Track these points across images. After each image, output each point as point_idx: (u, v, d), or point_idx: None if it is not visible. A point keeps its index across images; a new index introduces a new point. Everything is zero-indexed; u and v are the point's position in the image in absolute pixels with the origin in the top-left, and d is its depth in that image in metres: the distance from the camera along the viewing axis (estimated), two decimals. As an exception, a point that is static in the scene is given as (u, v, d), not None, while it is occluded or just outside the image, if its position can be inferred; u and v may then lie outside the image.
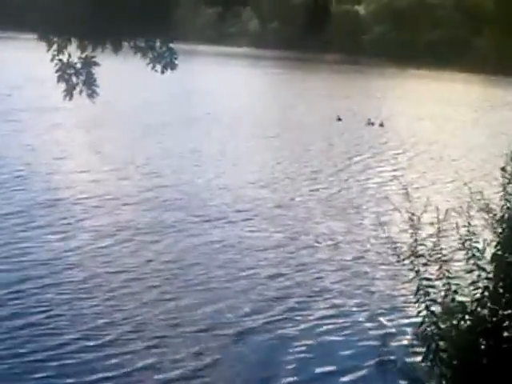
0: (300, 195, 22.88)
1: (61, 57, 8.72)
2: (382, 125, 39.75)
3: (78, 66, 8.75)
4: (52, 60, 8.70)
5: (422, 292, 8.38)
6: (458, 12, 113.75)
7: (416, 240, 8.60)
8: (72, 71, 8.68)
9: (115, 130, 32.22)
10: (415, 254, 8.65)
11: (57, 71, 8.65)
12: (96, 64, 8.85)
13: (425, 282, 8.44)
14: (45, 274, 14.37)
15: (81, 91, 8.81)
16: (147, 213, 19.17)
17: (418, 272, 8.50)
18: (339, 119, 40.84)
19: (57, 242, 16.28)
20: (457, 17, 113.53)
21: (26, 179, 22.07)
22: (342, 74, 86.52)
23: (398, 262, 9.17)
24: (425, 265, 8.62)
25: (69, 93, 8.77)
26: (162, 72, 9.12)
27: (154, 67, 9.01)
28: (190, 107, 41.32)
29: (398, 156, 31.59)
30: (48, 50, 8.68)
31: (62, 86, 8.83)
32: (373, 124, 39.86)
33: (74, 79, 8.71)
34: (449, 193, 23.42)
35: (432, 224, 8.63)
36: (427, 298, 8.39)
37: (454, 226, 8.69)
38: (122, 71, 68.10)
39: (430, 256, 8.65)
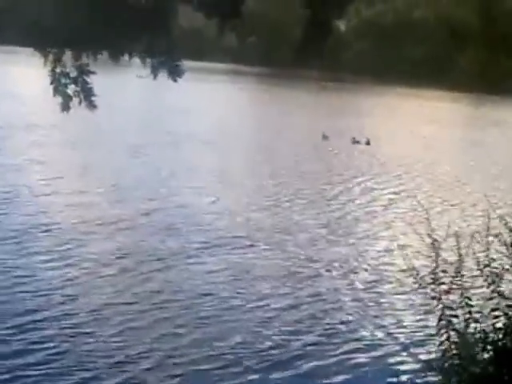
0: (301, 219, 22.39)
1: (58, 69, 8.26)
2: (368, 143, 39.52)
3: (74, 74, 8.26)
4: (52, 71, 8.24)
5: (443, 322, 8.16)
6: (441, 29, 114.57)
7: (437, 266, 8.37)
8: (67, 81, 8.18)
9: (99, 150, 31.48)
10: (437, 281, 8.38)
11: (51, 83, 8.17)
12: (92, 72, 8.39)
13: (447, 311, 8.22)
14: (44, 306, 13.71)
15: (80, 101, 8.29)
16: (146, 238, 18.59)
17: (439, 300, 8.26)
18: (325, 137, 40.52)
19: (53, 271, 15.63)
20: (440, 34, 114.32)
21: (12, 202, 21.36)
22: (323, 91, 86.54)
23: (418, 289, 8.93)
24: (447, 292, 8.36)
25: (65, 105, 8.28)
26: (175, 80, 8.67)
27: (155, 76, 8.53)
28: (175, 126, 40.80)
29: (396, 176, 31.27)
30: (45, 63, 8.25)
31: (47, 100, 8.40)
32: (358, 142, 39.57)
33: (70, 90, 8.13)
34: (460, 216, 23.10)
35: (448, 249, 8.46)
36: (449, 327, 8.16)
37: (472, 251, 8.50)
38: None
39: (452, 283, 8.40)
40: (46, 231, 18.49)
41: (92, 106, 8.33)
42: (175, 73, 8.62)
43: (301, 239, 19.89)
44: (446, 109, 72.10)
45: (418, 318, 14.51)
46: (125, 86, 71.72)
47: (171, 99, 58.41)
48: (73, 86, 8.28)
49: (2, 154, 28.63)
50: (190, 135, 37.42)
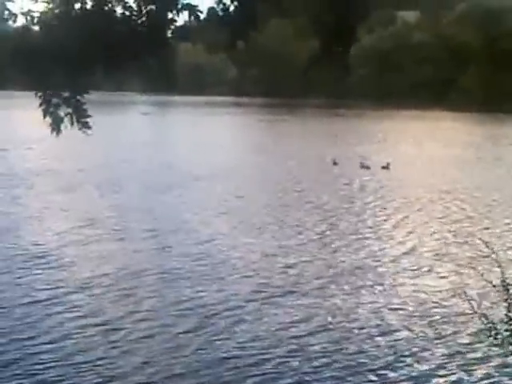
0: (321, 259, 19.50)
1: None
2: (386, 167, 38.31)
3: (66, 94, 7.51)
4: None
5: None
6: (442, 51, 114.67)
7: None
8: (59, 101, 7.42)
9: (126, 191, 29.77)
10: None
11: (41, 104, 7.40)
12: (86, 92, 7.61)
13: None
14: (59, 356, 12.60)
15: (72, 122, 7.48)
16: (198, 289, 16.35)
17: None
18: (335, 163, 39.78)
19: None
20: (441, 56, 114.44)
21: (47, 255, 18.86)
22: (329, 118, 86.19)
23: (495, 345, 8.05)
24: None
25: (56, 127, 7.49)
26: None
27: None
28: (193, 162, 39.41)
29: (418, 204, 28.66)
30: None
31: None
32: (368, 167, 38.62)
33: (61, 111, 7.43)
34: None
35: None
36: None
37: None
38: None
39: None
40: (86, 288, 16.31)
41: (86, 127, 7.51)
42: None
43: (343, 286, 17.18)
44: (455, 129, 71.23)
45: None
46: (132, 123, 71.64)
47: (181, 134, 58.03)
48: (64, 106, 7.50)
49: (29, 201, 26.69)
50: (209, 170, 36.14)
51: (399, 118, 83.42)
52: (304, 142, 53.63)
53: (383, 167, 38.15)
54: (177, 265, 18.31)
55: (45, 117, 7.35)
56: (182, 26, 8.99)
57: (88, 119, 7.43)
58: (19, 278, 16.70)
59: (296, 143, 53.21)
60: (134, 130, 62.61)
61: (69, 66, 6.91)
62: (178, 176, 34.25)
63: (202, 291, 16.08)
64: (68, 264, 17.98)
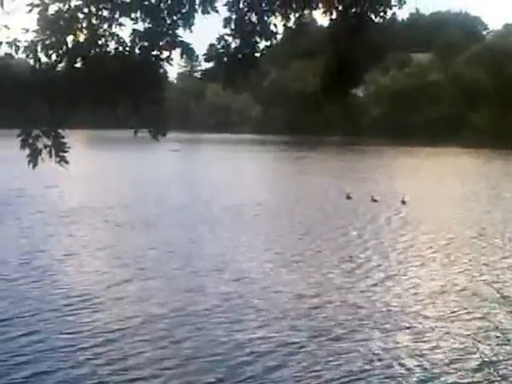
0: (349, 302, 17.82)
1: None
2: (404, 202, 37.78)
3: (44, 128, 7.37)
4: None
5: None
6: (454, 89, 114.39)
7: None
8: (37, 132, 7.29)
9: (133, 229, 27.79)
10: None
11: (19, 135, 7.27)
12: (65, 127, 7.47)
13: None
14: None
15: (50, 155, 7.34)
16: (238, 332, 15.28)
17: None
18: (349, 197, 39.36)
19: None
20: (454, 93, 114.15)
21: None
22: (346, 154, 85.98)
23: None
24: None
25: (33, 159, 7.34)
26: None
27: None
28: (222, 199, 37.87)
29: (441, 241, 26.72)
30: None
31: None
32: (376, 201, 38.26)
33: (40, 144, 7.30)
34: None
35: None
36: None
37: None
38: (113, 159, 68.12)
39: None
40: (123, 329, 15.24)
41: (63, 161, 7.36)
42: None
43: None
44: (470, 165, 70.18)
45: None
46: (162, 159, 71.57)
47: (207, 171, 57.74)
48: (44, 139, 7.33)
49: (64, 239, 25.50)
50: (238, 205, 35.28)
51: (414, 155, 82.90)
52: (322, 178, 53.30)
53: (402, 202, 37.62)
54: (215, 302, 17.24)
55: (23, 148, 7.19)
56: (210, 68, 8.91)
57: (66, 153, 7.26)
58: (59, 316, 15.90)
59: (314, 178, 52.89)
60: (163, 167, 62.35)
61: (52, 98, 6.79)
62: (210, 212, 33.14)
63: (242, 331, 15.16)
64: (103, 305, 16.89)
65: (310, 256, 23.48)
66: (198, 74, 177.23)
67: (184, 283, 19.23)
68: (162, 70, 7.57)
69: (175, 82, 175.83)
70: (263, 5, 9.15)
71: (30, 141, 7.08)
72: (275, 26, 9.21)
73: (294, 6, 9.17)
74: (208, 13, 7.49)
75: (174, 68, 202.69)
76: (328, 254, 23.79)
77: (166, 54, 7.39)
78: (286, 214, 33.80)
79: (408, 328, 15.62)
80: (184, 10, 7.36)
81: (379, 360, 13.54)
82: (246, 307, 17.01)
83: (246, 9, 9.00)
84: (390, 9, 9.38)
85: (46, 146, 7.12)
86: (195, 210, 33.90)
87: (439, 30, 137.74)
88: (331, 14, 9.72)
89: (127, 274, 20.01)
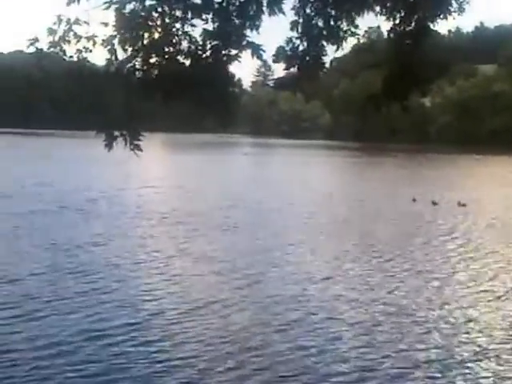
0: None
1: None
2: (463, 205, 37.17)
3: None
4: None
5: None
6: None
7: None
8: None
9: (222, 234, 25.72)
10: None
11: (96, 125, 7.42)
12: (141, 118, 7.58)
13: None
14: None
15: (125, 143, 7.41)
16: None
17: None
18: (435, 203, 38.33)
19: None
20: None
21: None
22: (412, 161, 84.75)
23: None
24: None
25: (109, 144, 7.46)
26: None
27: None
28: (287, 203, 35.95)
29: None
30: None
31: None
32: (435, 203, 37.77)
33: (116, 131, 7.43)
34: None
35: None
36: None
37: None
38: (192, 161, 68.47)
39: None
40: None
41: (137, 149, 7.44)
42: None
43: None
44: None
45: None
46: (234, 162, 71.52)
47: (278, 174, 57.23)
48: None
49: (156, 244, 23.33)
50: (314, 207, 34.15)
51: (480, 163, 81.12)
52: (392, 182, 52.38)
53: (461, 205, 37.03)
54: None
55: (97, 133, 7.33)
56: (283, 77, 8.93)
57: (140, 142, 7.36)
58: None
59: (382, 183, 52.09)
60: (241, 170, 61.87)
61: (128, 90, 6.91)
62: (292, 218, 30.90)
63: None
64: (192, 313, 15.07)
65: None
66: (270, 83, 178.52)
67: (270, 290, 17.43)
68: (230, 69, 7.60)
69: (249, 89, 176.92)
70: (329, 10, 9.12)
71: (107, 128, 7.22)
72: (343, 31, 9.15)
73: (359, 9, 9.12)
74: (275, 14, 7.47)
75: (248, 77, 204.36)
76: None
77: (234, 52, 7.39)
78: (359, 214, 33.14)
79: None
80: (252, 13, 7.35)
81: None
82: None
83: (312, 13, 8.98)
84: (450, 15, 9.23)
85: (121, 134, 7.25)
86: (282, 214, 31.99)
87: (504, 42, 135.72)
88: (394, 19, 9.66)
89: (218, 280, 18.32)
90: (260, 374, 11.56)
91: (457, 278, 19.33)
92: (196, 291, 16.92)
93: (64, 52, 7.03)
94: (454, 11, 9.47)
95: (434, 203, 37.69)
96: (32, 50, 7.19)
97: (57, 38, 6.98)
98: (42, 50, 7.11)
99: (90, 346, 12.53)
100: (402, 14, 9.43)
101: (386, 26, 9.66)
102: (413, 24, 9.31)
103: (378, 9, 9.29)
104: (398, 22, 9.38)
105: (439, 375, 11.75)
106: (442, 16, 9.23)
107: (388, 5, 9.12)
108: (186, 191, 39.81)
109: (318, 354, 12.59)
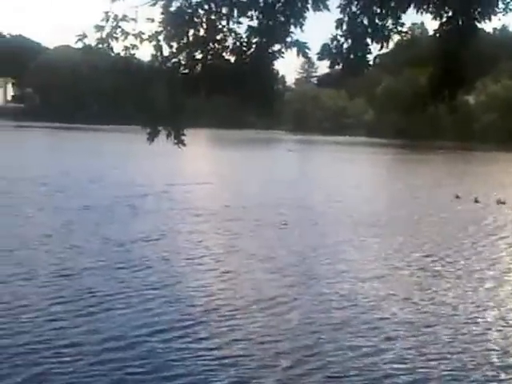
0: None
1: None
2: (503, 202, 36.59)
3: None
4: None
5: None
6: None
7: None
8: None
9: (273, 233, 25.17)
10: None
11: (141, 119, 7.46)
12: (184, 112, 7.57)
13: None
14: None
15: (168, 136, 7.37)
16: None
17: None
18: (476, 201, 37.75)
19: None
20: None
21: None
22: (456, 158, 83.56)
23: None
24: None
25: (151, 137, 7.50)
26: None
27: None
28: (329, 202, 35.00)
29: None
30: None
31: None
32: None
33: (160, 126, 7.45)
34: None
35: None
36: None
37: None
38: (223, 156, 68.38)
39: None
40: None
41: (181, 143, 7.45)
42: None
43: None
44: None
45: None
46: (279, 158, 71.15)
47: (321, 171, 56.73)
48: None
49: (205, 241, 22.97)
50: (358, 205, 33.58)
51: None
52: (433, 179, 51.63)
53: (500, 202, 36.46)
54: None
55: (144, 128, 7.37)
56: (326, 74, 8.88)
57: (184, 137, 7.36)
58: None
59: (427, 180, 51.37)
60: (282, 166, 61.06)
61: (172, 85, 6.91)
62: (340, 215, 30.40)
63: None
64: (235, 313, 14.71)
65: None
66: (314, 80, 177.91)
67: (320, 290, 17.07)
68: (274, 66, 7.57)
69: (293, 86, 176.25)
70: (375, 8, 9.02)
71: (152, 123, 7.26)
72: (388, 29, 9.06)
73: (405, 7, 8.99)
74: (320, 10, 7.40)
75: (292, 74, 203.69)
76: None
77: (278, 47, 7.36)
78: (408, 211, 32.63)
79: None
80: (296, 9, 7.30)
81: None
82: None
83: (358, 12, 8.89)
84: (495, 15, 9.10)
85: (166, 129, 7.27)
86: (331, 211, 31.52)
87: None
88: (441, 18, 9.52)
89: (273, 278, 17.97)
90: (311, 374, 11.44)
91: (509, 278, 18.85)
92: (247, 288, 16.78)
93: (111, 49, 7.05)
94: (500, 12, 9.36)
95: (477, 201, 37.22)
96: (80, 45, 7.22)
97: (104, 35, 7.01)
98: (90, 45, 7.15)
99: (143, 342, 12.57)
100: (450, 14, 9.29)
101: (430, 23, 9.58)
102: (460, 23, 9.18)
103: (424, 7, 9.19)
104: (445, 20, 9.25)
105: (494, 378, 11.51)
106: (488, 16, 9.10)
107: (436, 3, 9.00)
108: (234, 187, 39.66)
109: (370, 355, 12.41)
